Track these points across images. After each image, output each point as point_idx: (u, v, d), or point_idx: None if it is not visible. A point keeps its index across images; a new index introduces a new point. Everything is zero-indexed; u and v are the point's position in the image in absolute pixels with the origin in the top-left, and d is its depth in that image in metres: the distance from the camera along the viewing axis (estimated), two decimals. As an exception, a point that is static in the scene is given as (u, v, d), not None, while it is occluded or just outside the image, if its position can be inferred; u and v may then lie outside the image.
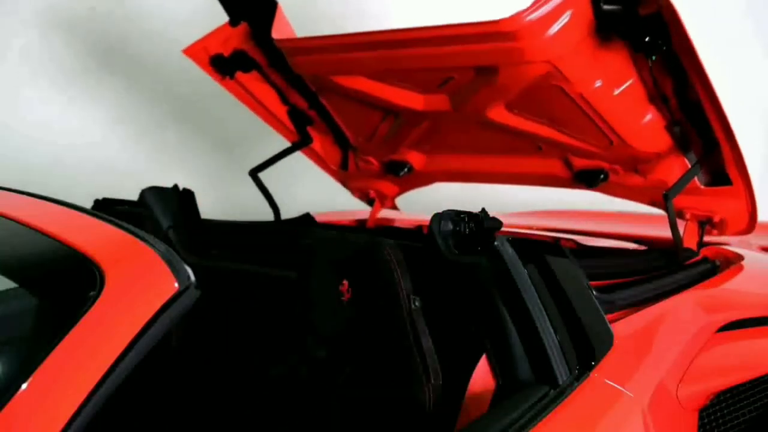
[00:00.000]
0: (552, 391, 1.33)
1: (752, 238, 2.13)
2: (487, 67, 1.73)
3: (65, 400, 0.85)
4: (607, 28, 1.59)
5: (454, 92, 1.89)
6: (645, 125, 1.81)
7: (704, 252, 2.05)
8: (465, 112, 1.93)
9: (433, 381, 1.42)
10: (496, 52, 1.66)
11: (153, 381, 1.74)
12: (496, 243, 1.42)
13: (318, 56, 1.96)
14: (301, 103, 2.29)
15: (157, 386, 1.77)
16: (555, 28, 1.58)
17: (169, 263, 0.98)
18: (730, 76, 3.79)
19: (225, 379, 1.77)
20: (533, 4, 1.55)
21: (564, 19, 1.57)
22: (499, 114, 1.90)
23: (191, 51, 2.22)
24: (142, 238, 1.01)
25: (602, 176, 1.71)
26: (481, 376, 1.41)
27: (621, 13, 1.56)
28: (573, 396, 1.33)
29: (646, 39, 1.58)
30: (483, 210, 1.51)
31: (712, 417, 1.60)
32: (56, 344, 0.87)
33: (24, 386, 0.84)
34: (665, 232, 1.98)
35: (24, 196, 1.23)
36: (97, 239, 1.02)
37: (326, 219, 2.56)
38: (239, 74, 2.24)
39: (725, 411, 1.61)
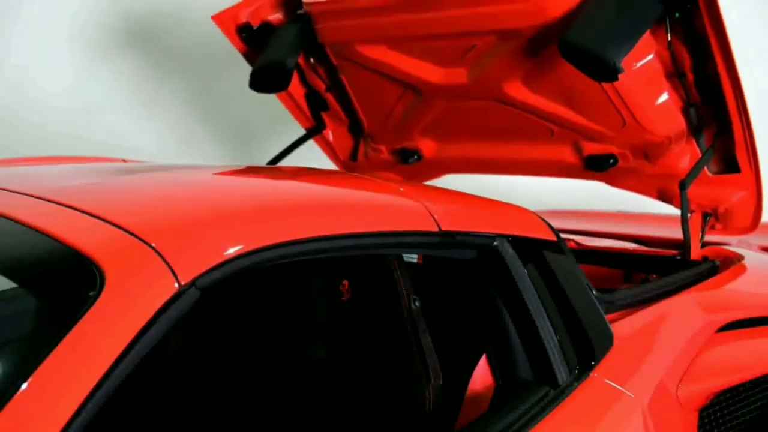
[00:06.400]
0: (552, 391, 1.34)
1: (752, 238, 2.13)
2: (510, 31, 1.75)
3: (65, 400, 0.84)
4: None
5: (475, 65, 1.90)
6: (660, 106, 1.82)
7: (704, 252, 2.05)
8: (483, 87, 1.94)
9: (433, 381, 1.42)
10: (520, 13, 1.68)
11: (153, 381, 1.74)
12: (495, 243, 1.42)
13: (344, 21, 1.99)
14: (319, 84, 2.30)
15: (157, 386, 1.77)
16: None
17: (170, 263, 0.98)
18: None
19: (224, 379, 1.77)
20: None
21: None
22: (516, 90, 1.91)
23: (220, 18, 2.23)
24: (143, 238, 1.01)
25: (612, 161, 1.73)
26: (481, 376, 1.41)
27: None
28: (573, 396, 1.33)
29: None
30: None
31: (712, 417, 1.60)
32: (56, 344, 0.87)
33: (24, 386, 0.84)
34: (665, 232, 1.98)
35: (24, 196, 1.23)
36: (97, 239, 1.02)
37: None
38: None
39: (725, 411, 1.61)
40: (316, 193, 1.38)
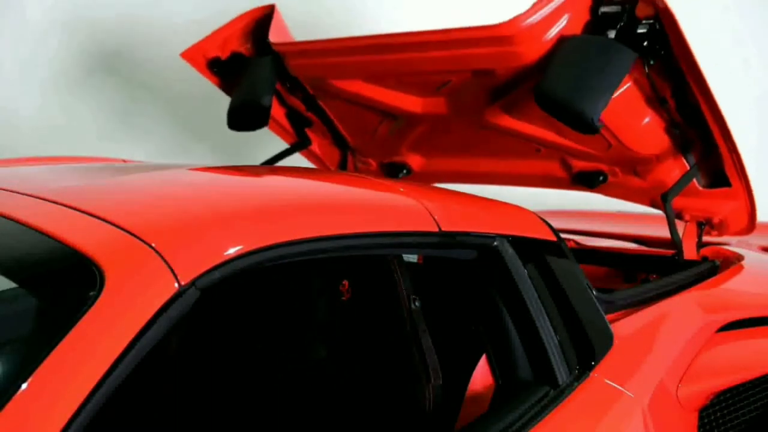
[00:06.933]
0: (552, 391, 1.34)
1: (752, 238, 2.13)
2: (485, 71, 1.73)
3: (65, 400, 0.85)
4: (605, 30, 1.59)
5: (452, 95, 1.89)
6: (644, 128, 1.80)
7: (704, 252, 2.05)
8: (463, 115, 1.93)
9: (433, 381, 1.42)
10: (494, 56, 1.66)
11: (153, 381, 1.74)
12: (495, 243, 1.42)
13: (315, 60, 1.97)
14: (299, 105, 2.28)
15: (157, 386, 1.77)
16: (553, 31, 1.59)
17: (170, 263, 0.98)
18: (725, 75, 3.81)
19: (225, 379, 1.77)
20: (531, 8, 1.55)
21: (562, 22, 1.58)
22: (497, 117, 1.89)
23: (189, 55, 2.21)
24: (142, 238, 1.01)
25: (601, 178, 1.71)
26: (481, 376, 1.41)
27: (619, 13, 1.56)
28: (573, 396, 1.33)
29: (645, 43, 1.58)
30: None
31: (712, 417, 1.60)
32: (56, 344, 0.87)
33: (24, 386, 0.84)
34: (665, 232, 1.98)
35: (24, 196, 1.23)
36: (97, 239, 1.02)
37: None
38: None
39: (725, 411, 1.61)
40: (316, 193, 1.38)
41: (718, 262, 1.95)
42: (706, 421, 1.59)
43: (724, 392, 1.61)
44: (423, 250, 1.50)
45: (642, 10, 1.54)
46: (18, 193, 1.26)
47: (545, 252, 1.51)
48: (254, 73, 2.12)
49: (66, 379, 0.86)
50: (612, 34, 1.60)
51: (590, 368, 1.39)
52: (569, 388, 1.35)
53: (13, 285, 1.07)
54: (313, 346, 1.66)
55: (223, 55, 2.22)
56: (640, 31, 1.56)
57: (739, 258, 2.00)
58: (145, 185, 1.39)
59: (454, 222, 1.36)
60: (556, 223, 1.63)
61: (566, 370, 1.37)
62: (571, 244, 2.19)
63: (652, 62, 1.63)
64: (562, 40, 1.61)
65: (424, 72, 1.85)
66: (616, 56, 1.58)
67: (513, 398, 1.33)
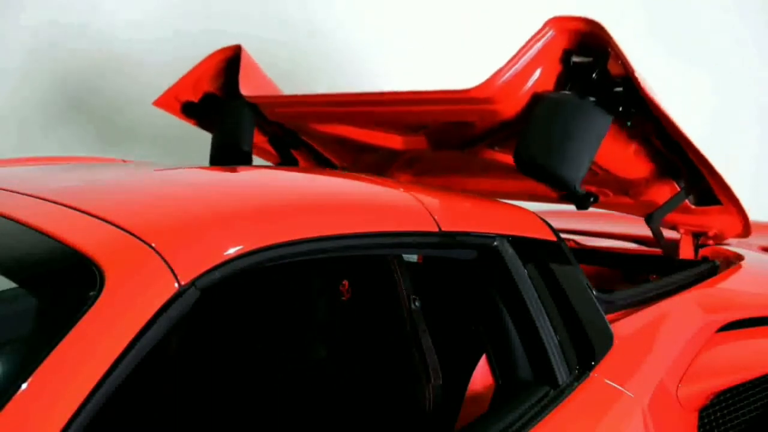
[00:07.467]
0: (552, 391, 1.34)
1: (752, 238, 2.13)
2: (462, 123, 1.75)
3: (65, 400, 0.85)
4: (579, 81, 1.59)
5: (433, 134, 1.90)
6: (630, 156, 1.79)
7: (704, 252, 2.05)
8: (444, 151, 1.94)
9: (433, 381, 1.42)
10: (473, 113, 1.68)
11: (153, 381, 1.74)
12: (495, 243, 1.42)
13: (292, 109, 1.98)
14: (281, 132, 2.28)
15: (157, 386, 1.77)
16: (528, 85, 1.59)
17: (170, 263, 0.98)
18: (725, 75, 3.81)
19: (224, 379, 1.77)
20: (503, 67, 1.56)
21: (535, 76, 1.58)
22: (478, 151, 1.90)
23: (162, 102, 2.22)
24: (142, 238, 1.01)
25: (592, 199, 1.72)
26: (481, 376, 1.41)
27: (591, 64, 1.56)
28: (573, 396, 1.33)
29: (620, 109, 1.58)
30: None
31: (712, 417, 1.60)
32: (56, 344, 0.87)
33: (24, 386, 0.84)
34: (665, 233, 1.98)
35: (24, 196, 1.23)
36: (97, 239, 1.02)
37: None
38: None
39: (725, 411, 1.61)
40: (316, 193, 1.38)
41: (717, 262, 1.95)
42: (706, 421, 1.59)
43: (724, 392, 1.61)
44: (423, 250, 1.51)
45: (614, 67, 1.54)
46: (18, 193, 1.26)
47: (545, 252, 1.51)
48: (231, 118, 2.12)
49: (66, 379, 0.86)
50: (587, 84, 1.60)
51: (590, 368, 1.39)
52: (569, 388, 1.35)
53: (13, 285, 1.07)
54: (313, 346, 1.66)
55: (196, 97, 2.22)
56: (616, 89, 1.56)
57: (739, 258, 2.00)
58: (145, 185, 1.39)
59: (454, 222, 1.36)
60: (556, 223, 1.63)
61: (566, 370, 1.37)
62: (571, 244, 2.19)
63: (629, 123, 1.64)
64: (537, 98, 1.62)
65: (402, 123, 1.88)
66: (593, 120, 1.57)
67: (513, 398, 1.33)
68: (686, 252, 2.03)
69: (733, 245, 2.16)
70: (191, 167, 1.56)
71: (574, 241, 2.24)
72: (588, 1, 3.69)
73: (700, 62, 3.69)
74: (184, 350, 1.80)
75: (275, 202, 1.23)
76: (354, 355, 1.60)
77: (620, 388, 1.38)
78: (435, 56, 3.54)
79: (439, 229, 1.32)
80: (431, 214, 1.32)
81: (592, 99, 1.56)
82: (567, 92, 1.59)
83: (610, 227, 2.47)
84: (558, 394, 1.33)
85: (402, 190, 1.43)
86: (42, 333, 0.94)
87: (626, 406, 1.38)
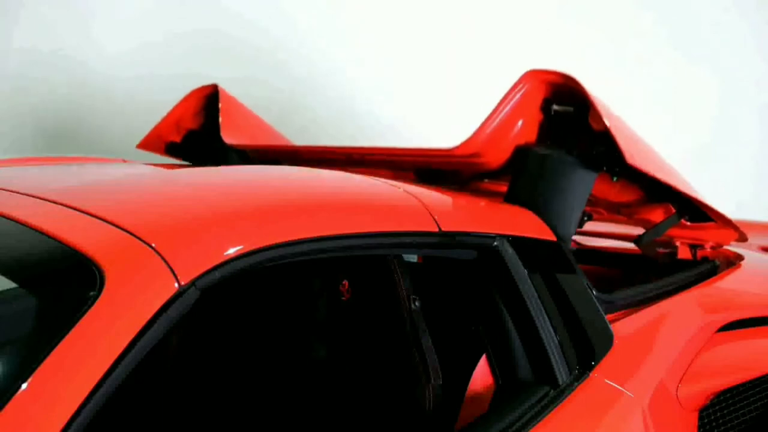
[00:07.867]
0: (552, 391, 1.34)
1: (752, 238, 2.13)
2: (451, 171, 1.82)
3: (65, 400, 0.85)
4: (560, 130, 1.61)
5: (422, 174, 1.95)
6: (619, 191, 1.81)
7: (704, 252, 2.05)
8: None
9: (433, 381, 1.42)
10: (460, 164, 1.73)
11: (153, 381, 1.74)
12: (495, 243, 1.42)
13: (274, 153, 2.06)
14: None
15: (157, 386, 1.77)
16: (511, 135, 1.64)
17: (170, 263, 0.98)
18: (725, 75, 3.81)
19: (224, 379, 1.77)
20: (485, 121, 1.60)
21: (517, 127, 1.62)
22: (473, 183, 1.95)
23: (145, 144, 2.24)
24: (142, 238, 1.01)
25: (586, 218, 1.74)
26: (481, 376, 1.41)
27: (572, 114, 1.58)
28: (573, 396, 1.33)
29: (604, 169, 1.61)
30: None
31: (712, 417, 1.60)
32: (56, 344, 0.87)
33: (24, 386, 0.84)
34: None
35: (24, 196, 1.23)
36: (97, 239, 1.02)
37: None
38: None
39: (725, 411, 1.61)
40: (317, 193, 1.38)
41: (717, 262, 1.96)
42: (706, 421, 1.58)
43: (724, 392, 1.61)
44: (423, 250, 1.50)
45: (595, 121, 1.55)
46: (18, 193, 1.26)
47: (545, 252, 1.51)
48: (216, 162, 2.15)
49: (66, 379, 0.86)
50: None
51: (590, 368, 1.39)
52: (569, 388, 1.35)
53: (13, 285, 1.07)
54: (313, 346, 1.66)
55: (180, 136, 2.25)
56: (598, 149, 1.59)
57: (739, 258, 2.00)
58: (145, 185, 1.39)
59: (454, 222, 1.36)
60: (556, 223, 1.63)
61: (566, 370, 1.37)
62: (572, 244, 2.19)
63: (615, 179, 1.68)
64: (522, 152, 1.64)
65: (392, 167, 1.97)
66: (578, 178, 1.60)
67: (513, 398, 1.33)
68: (684, 255, 2.03)
69: (733, 245, 2.17)
70: (191, 167, 1.56)
71: (574, 241, 2.24)
72: (590, 2, 3.69)
73: (700, 62, 3.69)
74: (184, 350, 1.80)
75: (275, 202, 1.23)
76: (354, 355, 1.60)
77: (620, 388, 1.38)
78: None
79: (439, 229, 1.32)
80: (431, 214, 1.32)
81: (575, 159, 1.59)
82: (550, 149, 1.62)
83: (610, 227, 2.47)
84: (558, 394, 1.33)
85: (402, 190, 1.43)
86: (42, 333, 0.94)
87: (626, 406, 1.38)
